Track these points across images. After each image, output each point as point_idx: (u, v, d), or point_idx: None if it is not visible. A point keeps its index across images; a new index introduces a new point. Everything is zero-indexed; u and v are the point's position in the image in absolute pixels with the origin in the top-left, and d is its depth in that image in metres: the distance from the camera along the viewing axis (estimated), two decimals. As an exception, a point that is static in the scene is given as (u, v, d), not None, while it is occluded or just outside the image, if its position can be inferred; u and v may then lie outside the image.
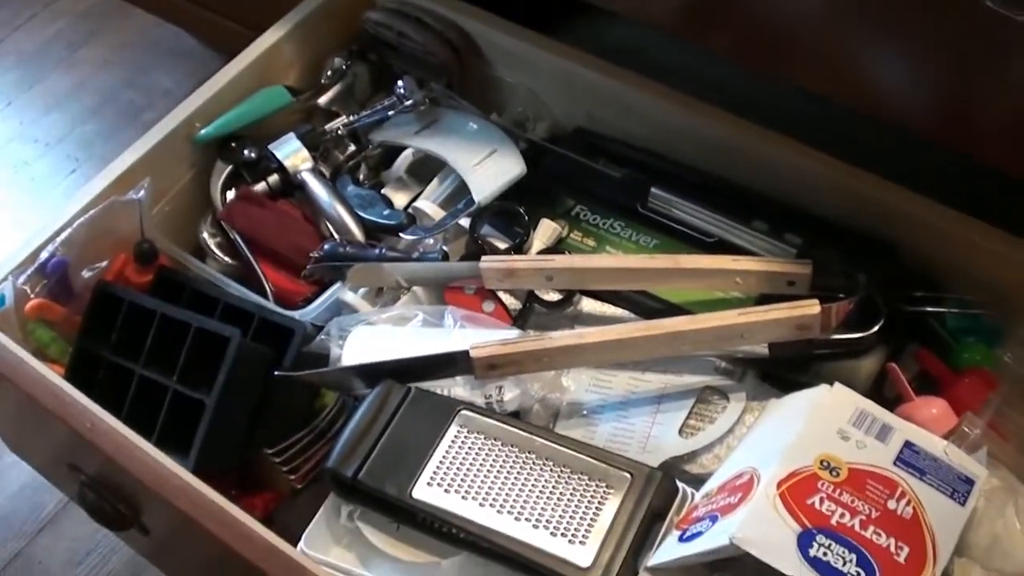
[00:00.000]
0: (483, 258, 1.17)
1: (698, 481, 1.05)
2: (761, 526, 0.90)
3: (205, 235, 1.36)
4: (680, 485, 1.03)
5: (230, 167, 1.36)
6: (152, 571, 1.56)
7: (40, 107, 2.23)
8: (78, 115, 2.21)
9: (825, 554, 0.89)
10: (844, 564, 0.89)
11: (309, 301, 1.25)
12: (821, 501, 0.93)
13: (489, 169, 1.27)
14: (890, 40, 1.05)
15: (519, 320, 1.21)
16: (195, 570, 1.35)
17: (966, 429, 1.05)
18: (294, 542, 1.05)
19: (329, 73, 1.42)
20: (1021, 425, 1.09)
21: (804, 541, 0.90)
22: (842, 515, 0.92)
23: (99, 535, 1.61)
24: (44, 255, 1.22)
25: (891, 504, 0.94)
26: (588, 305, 1.22)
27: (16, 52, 2.32)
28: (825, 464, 0.95)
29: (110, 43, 2.31)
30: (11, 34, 2.34)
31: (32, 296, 1.22)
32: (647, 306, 1.18)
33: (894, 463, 0.97)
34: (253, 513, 1.19)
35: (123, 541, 1.52)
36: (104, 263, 1.25)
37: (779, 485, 0.93)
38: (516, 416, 1.12)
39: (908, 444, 0.99)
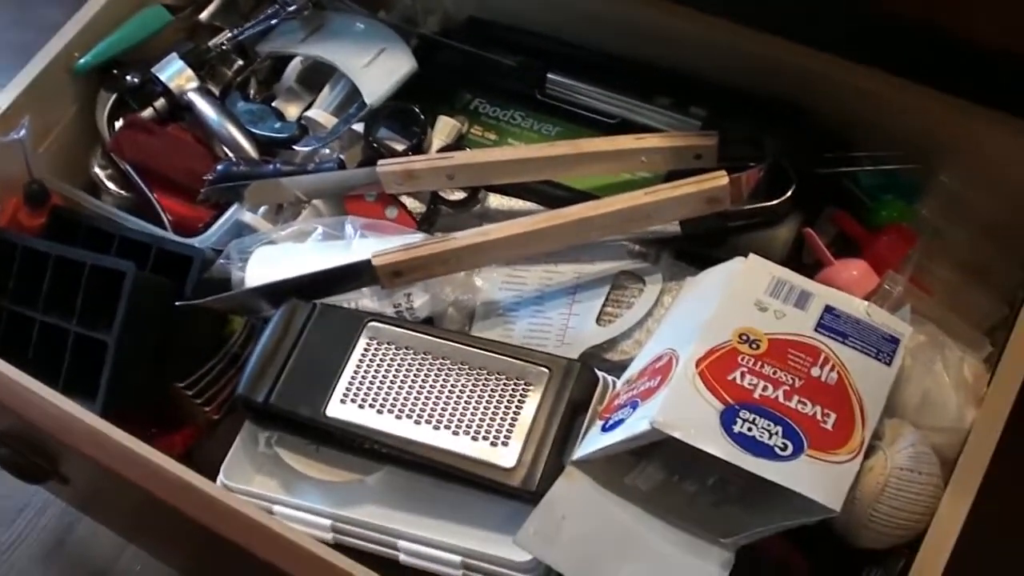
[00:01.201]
0: (380, 162, 1.13)
1: (621, 368, 1.02)
2: (682, 407, 0.88)
3: (97, 169, 1.30)
4: (600, 374, 1.00)
5: (114, 95, 1.30)
6: (87, 521, 1.52)
7: (-74, 55, 2.14)
8: (-33, 60, 2.12)
9: (750, 429, 0.87)
10: (770, 437, 0.86)
11: (209, 227, 1.20)
12: (742, 376, 0.90)
13: (379, 69, 1.22)
14: None
15: (424, 223, 1.17)
16: (125, 516, 1.32)
17: (887, 287, 1.03)
18: (216, 475, 1.02)
19: (208, -13, 1.36)
20: (943, 278, 1.07)
21: (727, 418, 0.87)
22: (765, 388, 0.89)
23: (31, 490, 1.57)
24: (-69, 208, 1.17)
25: (815, 371, 0.91)
26: (495, 201, 1.18)
27: None
28: (744, 338, 0.92)
29: (-9, -18, 2.22)
30: None
31: (-77, 252, 1.17)
32: (555, 196, 1.14)
33: (815, 329, 0.94)
34: (173, 450, 1.17)
35: (53, 494, 1.48)
36: (-6, 210, 1.20)
37: (698, 364, 0.90)
38: (430, 322, 1.09)
39: (828, 309, 0.96)
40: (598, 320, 1.08)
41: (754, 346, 0.92)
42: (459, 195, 1.16)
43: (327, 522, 0.99)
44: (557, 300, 1.10)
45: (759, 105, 1.13)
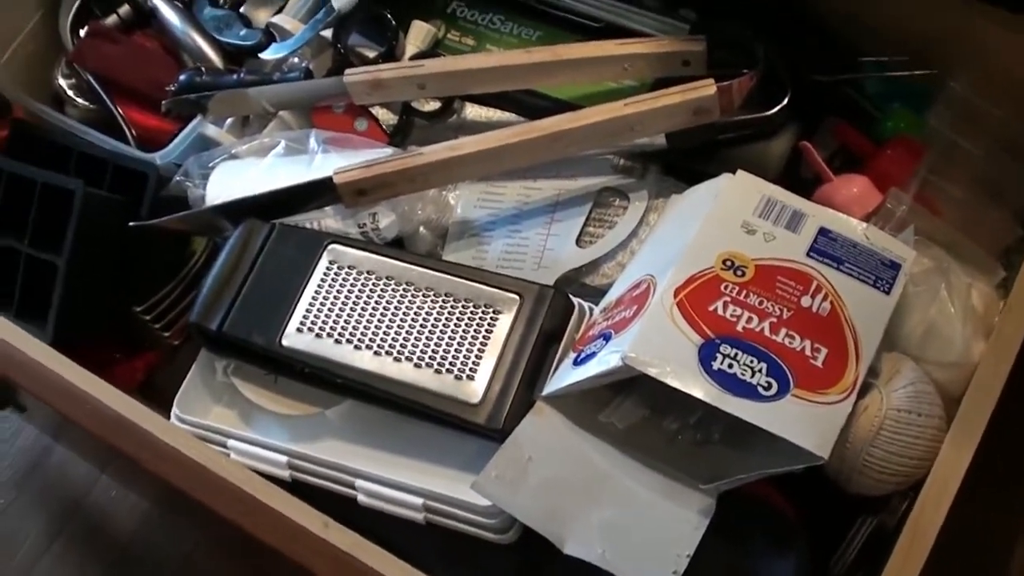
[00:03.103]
0: (347, 71, 1.04)
1: (601, 294, 0.95)
2: (656, 341, 0.80)
3: (60, 80, 1.24)
4: (576, 301, 0.92)
5: (78, 2, 1.24)
6: (60, 448, 1.46)
7: None
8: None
9: (731, 365, 0.79)
10: (753, 375, 0.79)
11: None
12: (725, 306, 0.82)
13: (349, -30, 1.13)
14: None
15: (397, 136, 1.08)
16: (88, 444, 1.26)
17: (890, 206, 0.94)
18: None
19: None
20: (953, 195, 0.97)
21: (706, 353, 0.80)
22: (749, 319, 0.82)
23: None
24: None
25: (805, 301, 0.83)
26: (472, 112, 1.09)
27: None
28: (728, 263, 0.85)
29: None
30: None
31: None
32: (536, 106, 1.05)
33: (807, 254, 0.86)
34: (134, 377, 1.12)
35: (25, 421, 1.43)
36: (-46, 124, 1.14)
37: (676, 293, 0.82)
38: (398, 244, 1.02)
39: (823, 231, 0.87)
40: (578, 241, 1.00)
41: (739, 273, 0.84)
42: (433, 105, 1.08)
43: (283, 459, 0.93)
44: (535, 219, 1.02)
45: (753, 6, 1.03)
